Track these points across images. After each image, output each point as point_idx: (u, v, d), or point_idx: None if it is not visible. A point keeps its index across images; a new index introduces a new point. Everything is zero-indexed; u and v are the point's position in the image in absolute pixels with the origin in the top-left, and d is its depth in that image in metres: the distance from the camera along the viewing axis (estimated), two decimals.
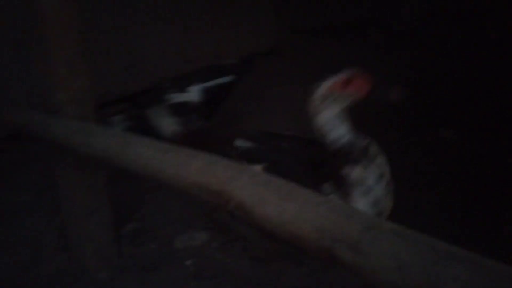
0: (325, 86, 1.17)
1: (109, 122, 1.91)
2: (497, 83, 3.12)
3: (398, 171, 2.19)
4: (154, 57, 3.88)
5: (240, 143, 1.32)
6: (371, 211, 1.16)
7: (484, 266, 0.64)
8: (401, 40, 4.39)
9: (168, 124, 1.85)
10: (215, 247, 1.79)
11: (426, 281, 0.66)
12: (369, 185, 1.16)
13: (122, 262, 1.78)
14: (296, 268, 1.61)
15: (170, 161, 1.08)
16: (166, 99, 1.99)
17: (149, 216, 2.04)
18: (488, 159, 2.26)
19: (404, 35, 4.43)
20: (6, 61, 2.74)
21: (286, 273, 1.60)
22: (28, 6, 1.51)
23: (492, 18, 4.14)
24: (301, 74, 4.32)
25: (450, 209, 1.91)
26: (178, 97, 2.01)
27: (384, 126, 2.75)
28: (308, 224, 0.83)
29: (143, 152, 1.14)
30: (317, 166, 1.22)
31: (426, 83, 3.42)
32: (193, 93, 2.09)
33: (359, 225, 0.77)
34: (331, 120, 1.15)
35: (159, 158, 1.10)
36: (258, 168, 1.18)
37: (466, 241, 1.69)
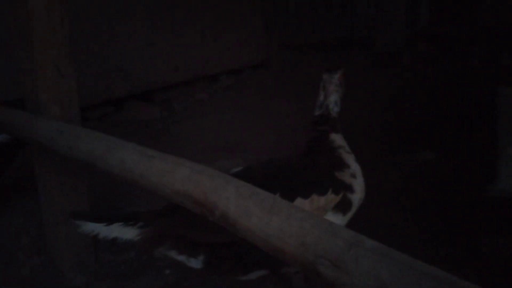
0: (338, 75, 1.46)
1: None
2: (477, 107, 3.20)
3: (379, 191, 2.23)
4: (142, 63, 3.86)
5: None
6: (357, 166, 1.41)
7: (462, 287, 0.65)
8: (383, 61, 4.48)
9: None
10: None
11: None
12: (348, 149, 1.46)
13: (99, 269, 1.74)
14: (276, 283, 1.61)
15: (155, 168, 1.07)
16: None
17: None
18: (467, 181, 2.30)
19: (387, 56, 4.53)
20: None
21: (265, 284, 1.58)
22: (16, 4, 1.49)
23: (474, 45, 4.27)
24: (288, 89, 4.37)
25: (427, 229, 1.93)
26: None
27: (365, 147, 2.79)
28: (292, 238, 0.82)
29: (128, 157, 1.12)
30: (313, 167, 1.35)
31: (406, 105, 3.49)
32: None
33: (342, 241, 0.77)
34: (337, 99, 1.47)
35: (144, 164, 1.09)
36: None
37: (442, 261, 1.72)
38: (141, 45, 3.84)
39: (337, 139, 1.45)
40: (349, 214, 1.30)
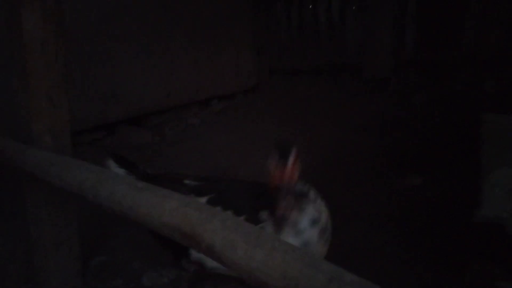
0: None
1: None
2: (461, 132, 3.28)
3: (366, 216, 2.26)
4: (136, 89, 3.92)
5: (188, 181, 1.48)
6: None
7: None
8: (372, 87, 4.59)
9: None
10: (184, 286, 1.77)
11: None
12: (301, 228, 1.22)
13: None
14: None
15: (144, 200, 1.10)
16: None
17: (118, 250, 2.01)
18: (453, 206, 2.35)
19: (374, 82, 4.64)
20: None
21: None
22: (12, 36, 1.53)
23: (458, 71, 4.40)
24: (278, 113, 4.45)
25: (413, 254, 1.97)
26: None
27: (354, 171, 2.84)
28: (275, 271, 0.85)
29: (118, 190, 1.15)
30: (257, 196, 1.33)
31: (394, 130, 3.57)
32: None
33: (323, 275, 0.80)
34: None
35: (133, 197, 1.12)
36: (203, 200, 1.33)
37: (430, 284, 1.75)
38: (135, 71, 3.90)
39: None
40: None
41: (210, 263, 1.28)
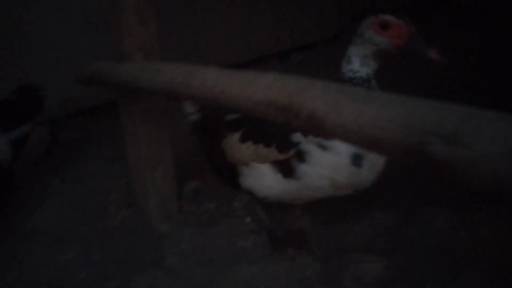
0: (364, 24, 1.24)
1: None
2: None
3: None
4: (216, 41, 3.91)
5: (228, 117, 1.49)
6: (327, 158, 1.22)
7: None
8: (469, 16, 4.09)
9: None
10: (275, 208, 1.72)
11: None
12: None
13: (183, 217, 1.77)
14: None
15: (235, 82, 1.04)
16: None
17: (209, 178, 2.01)
18: None
19: (472, 11, 4.12)
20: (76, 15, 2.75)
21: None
22: None
23: None
24: None
25: None
26: None
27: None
28: (392, 123, 0.73)
29: (209, 77, 1.10)
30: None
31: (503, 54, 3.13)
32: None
33: (454, 115, 0.66)
34: (356, 55, 1.25)
35: (224, 81, 1.06)
36: (236, 135, 1.40)
37: None
38: (215, 23, 3.88)
39: None
40: (295, 182, 1.23)
41: (259, 191, 1.34)
